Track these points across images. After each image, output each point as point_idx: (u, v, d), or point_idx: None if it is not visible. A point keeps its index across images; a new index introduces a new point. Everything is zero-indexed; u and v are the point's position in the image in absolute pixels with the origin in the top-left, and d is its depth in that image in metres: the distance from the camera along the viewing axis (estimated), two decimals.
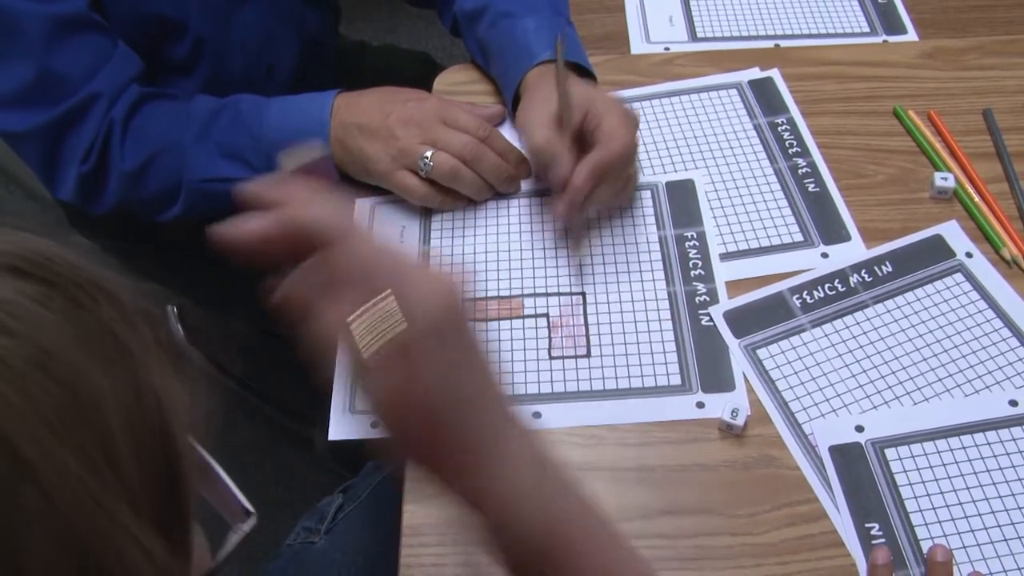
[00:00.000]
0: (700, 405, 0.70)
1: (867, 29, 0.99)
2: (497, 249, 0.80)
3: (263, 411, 1.47)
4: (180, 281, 1.14)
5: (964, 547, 0.62)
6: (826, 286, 0.75)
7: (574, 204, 0.73)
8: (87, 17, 0.82)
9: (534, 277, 0.78)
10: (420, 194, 0.80)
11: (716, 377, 0.71)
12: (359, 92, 0.84)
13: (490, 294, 0.77)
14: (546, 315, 0.76)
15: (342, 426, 0.71)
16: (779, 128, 0.87)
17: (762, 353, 0.71)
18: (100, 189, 0.87)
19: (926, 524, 0.63)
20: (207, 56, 0.92)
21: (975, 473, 0.65)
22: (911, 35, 0.98)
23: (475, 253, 0.80)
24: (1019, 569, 0.61)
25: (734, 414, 0.67)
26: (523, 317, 0.76)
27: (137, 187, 0.87)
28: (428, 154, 0.78)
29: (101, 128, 0.83)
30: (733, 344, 0.72)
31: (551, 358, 0.73)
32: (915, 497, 0.64)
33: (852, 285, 0.75)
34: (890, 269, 0.76)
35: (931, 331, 0.72)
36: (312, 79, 1.07)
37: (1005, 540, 0.62)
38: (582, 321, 0.75)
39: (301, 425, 1.43)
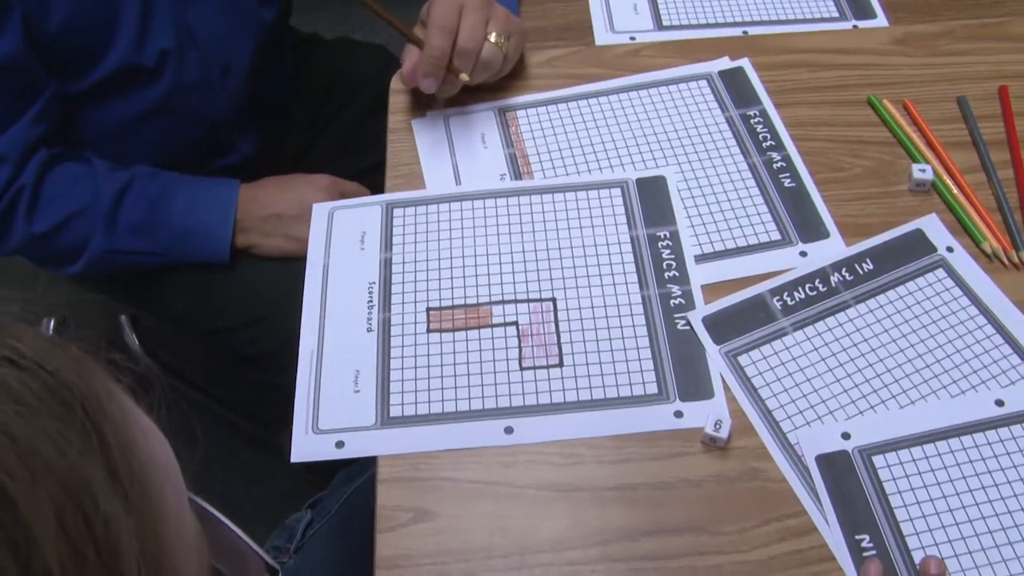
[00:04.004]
0: (678, 415, 0.67)
1: (836, 14, 0.96)
2: (463, 255, 0.76)
3: (227, 419, 1.43)
4: (127, 294, 1.10)
5: (956, 555, 0.60)
6: (807, 286, 0.72)
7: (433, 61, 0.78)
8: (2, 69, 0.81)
9: (502, 283, 0.74)
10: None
11: (694, 385, 0.68)
12: (258, 185, 0.98)
13: (456, 302, 0.74)
14: (515, 323, 0.72)
15: (305, 447, 0.67)
16: (752, 120, 0.84)
17: (743, 360, 0.68)
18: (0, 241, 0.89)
19: (916, 533, 0.61)
20: (171, 64, 0.90)
21: (964, 478, 0.63)
22: (880, 19, 0.96)
23: (439, 259, 0.76)
24: None
25: (717, 426, 0.64)
26: (492, 326, 0.72)
27: (43, 246, 0.90)
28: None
29: (5, 193, 0.85)
30: (713, 351, 0.69)
31: (522, 369, 0.70)
32: (905, 506, 0.62)
33: (833, 284, 0.72)
34: (871, 267, 0.73)
35: (915, 331, 0.70)
36: (265, 77, 1.03)
37: (996, 546, 0.60)
38: (553, 329, 0.72)
39: (268, 431, 1.39)
